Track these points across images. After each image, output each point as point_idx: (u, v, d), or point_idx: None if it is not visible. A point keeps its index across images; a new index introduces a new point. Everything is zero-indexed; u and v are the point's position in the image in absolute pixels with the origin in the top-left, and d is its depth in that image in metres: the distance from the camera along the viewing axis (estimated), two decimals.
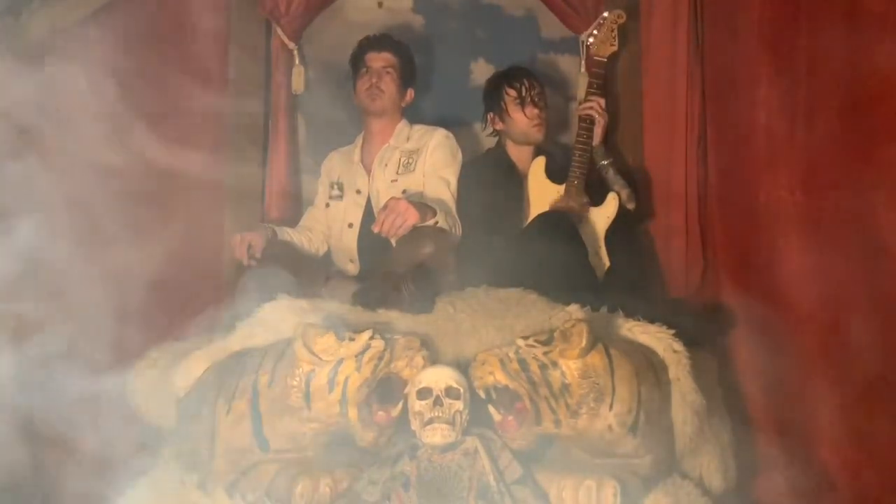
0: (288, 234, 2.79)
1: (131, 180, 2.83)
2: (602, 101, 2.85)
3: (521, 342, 2.03)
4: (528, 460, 2.01)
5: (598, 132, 2.84)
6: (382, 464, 1.98)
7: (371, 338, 2.00)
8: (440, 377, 1.99)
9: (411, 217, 2.37)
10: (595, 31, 2.94)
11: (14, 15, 2.77)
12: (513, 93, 2.88)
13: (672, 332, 2.22)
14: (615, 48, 2.92)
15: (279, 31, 3.12)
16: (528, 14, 3.33)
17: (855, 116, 2.46)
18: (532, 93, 2.87)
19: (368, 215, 2.76)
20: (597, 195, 2.81)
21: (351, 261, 2.81)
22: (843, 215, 2.50)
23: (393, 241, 2.45)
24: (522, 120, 2.89)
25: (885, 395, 2.42)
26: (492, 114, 2.96)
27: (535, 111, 2.88)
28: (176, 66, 2.87)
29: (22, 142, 2.62)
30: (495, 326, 2.23)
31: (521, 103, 2.87)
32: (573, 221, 2.69)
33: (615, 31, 2.90)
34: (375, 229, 2.38)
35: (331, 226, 2.86)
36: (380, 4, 3.29)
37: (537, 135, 2.91)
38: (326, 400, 1.98)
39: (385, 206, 2.40)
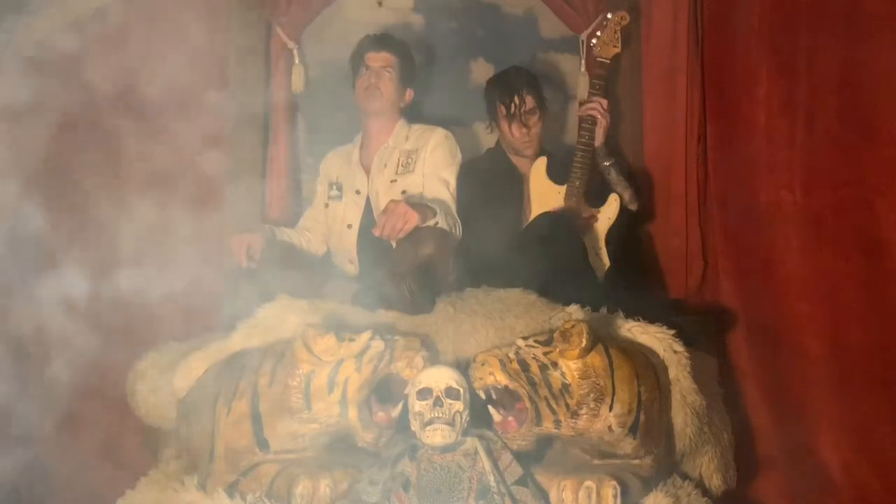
0: (287, 234, 2.79)
1: (129, 178, 2.84)
2: (605, 102, 2.82)
3: (520, 342, 2.03)
4: (528, 461, 2.01)
5: (599, 133, 2.82)
6: (382, 464, 1.98)
7: (371, 338, 2.00)
8: (440, 378, 1.99)
9: (412, 219, 2.36)
10: (598, 33, 2.91)
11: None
12: (503, 109, 2.85)
13: (672, 332, 2.22)
14: (618, 49, 2.89)
15: (279, 30, 3.11)
16: (527, 13, 3.32)
17: (855, 116, 2.47)
18: (521, 110, 2.83)
19: (368, 216, 2.75)
20: (598, 196, 2.81)
21: (350, 261, 2.80)
22: (843, 215, 2.51)
23: (393, 242, 2.44)
24: (510, 136, 2.88)
25: (885, 396, 2.42)
26: (489, 118, 2.96)
27: (524, 130, 2.84)
28: (175, 66, 2.87)
29: None
30: (495, 327, 2.23)
31: (510, 120, 2.85)
32: (573, 222, 2.69)
33: (618, 33, 2.88)
34: (376, 233, 2.38)
35: (330, 226, 2.85)
36: (380, 3, 3.28)
37: (526, 150, 2.89)
38: (326, 400, 1.98)
39: (385, 210, 2.39)
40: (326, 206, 2.87)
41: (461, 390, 1.98)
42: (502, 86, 2.88)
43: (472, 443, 1.97)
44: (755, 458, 2.72)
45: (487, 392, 2.02)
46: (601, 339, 2.04)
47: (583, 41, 3.14)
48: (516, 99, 2.82)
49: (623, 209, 2.80)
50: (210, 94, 2.93)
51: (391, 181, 2.76)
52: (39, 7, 2.77)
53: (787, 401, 2.67)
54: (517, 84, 2.85)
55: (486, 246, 2.60)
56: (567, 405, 1.98)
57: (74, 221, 2.77)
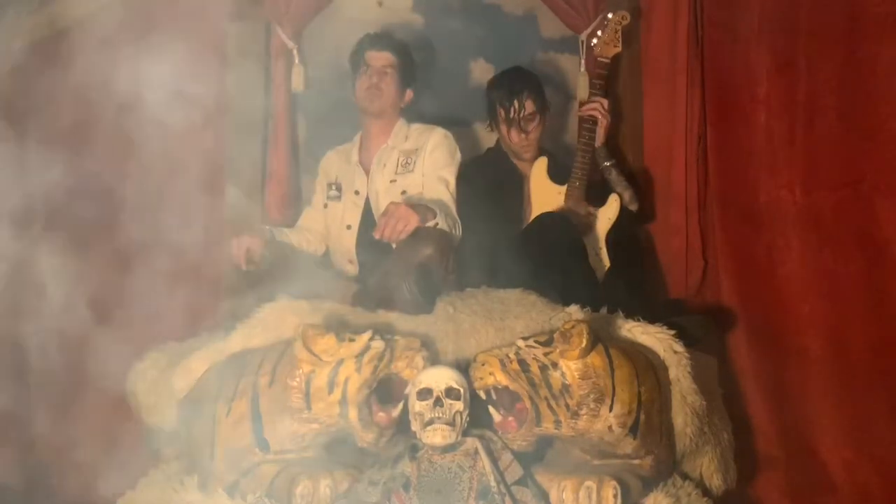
0: (286, 235, 2.78)
1: (129, 179, 2.84)
2: (605, 102, 2.82)
3: (521, 343, 2.03)
4: (528, 461, 2.01)
5: (600, 133, 2.82)
6: (382, 464, 1.97)
7: (371, 338, 2.00)
8: (440, 378, 1.99)
9: (412, 221, 2.36)
10: (599, 33, 2.91)
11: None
12: (503, 113, 2.85)
13: (672, 332, 2.21)
14: (619, 49, 2.89)
15: (279, 30, 3.11)
16: (527, 13, 3.32)
17: (855, 116, 2.47)
18: (521, 115, 2.82)
19: (367, 216, 2.75)
20: (599, 196, 2.81)
21: (350, 262, 2.80)
22: (843, 215, 2.51)
23: (393, 243, 2.44)
24: (509, 140, 2.88)
25: (885, 395, 2.42)
26: (488, 119, 2.95)
27: (522, 136, 2.84)
28: (175, 66, 2.87)
29: None
30: (495, 327, 2.23)
31: (509, 125, 2.85)
32: (573, 222, 2.69)
33: (619, 33, 2.87)
34: (377, 236, 2.37)
35: (329, 227, 2.84)
36: (380, 3, 3.28)
37: (524, 154, 2.89)
38: (326, 401, 1.98)
39: (385, 212, 2.38)
40: (325, 206, 2.87)
41: (461, 390, 1.98)
42: (503, 88, 2.87)
43: (472, 443, 1.97)
44: (755, 458, 2.72)
45: (487, 392, 2.02)
46: (601, 339, 2.04)
47: (583, 41, 3.14)
48: (516, 103, 2.82)
49: (623, 209, 2.80)
50: (210, 94, 2.92)
51: (391, 181, 2.75)
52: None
53: (787, 401, 2.67)
54: (518, 87, 2.84)
55: (486, 246, 2.60)
56: (567, 405, 1.98)
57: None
